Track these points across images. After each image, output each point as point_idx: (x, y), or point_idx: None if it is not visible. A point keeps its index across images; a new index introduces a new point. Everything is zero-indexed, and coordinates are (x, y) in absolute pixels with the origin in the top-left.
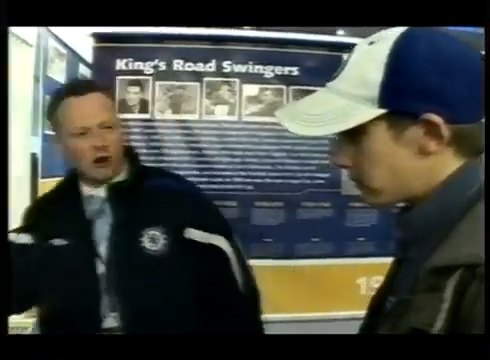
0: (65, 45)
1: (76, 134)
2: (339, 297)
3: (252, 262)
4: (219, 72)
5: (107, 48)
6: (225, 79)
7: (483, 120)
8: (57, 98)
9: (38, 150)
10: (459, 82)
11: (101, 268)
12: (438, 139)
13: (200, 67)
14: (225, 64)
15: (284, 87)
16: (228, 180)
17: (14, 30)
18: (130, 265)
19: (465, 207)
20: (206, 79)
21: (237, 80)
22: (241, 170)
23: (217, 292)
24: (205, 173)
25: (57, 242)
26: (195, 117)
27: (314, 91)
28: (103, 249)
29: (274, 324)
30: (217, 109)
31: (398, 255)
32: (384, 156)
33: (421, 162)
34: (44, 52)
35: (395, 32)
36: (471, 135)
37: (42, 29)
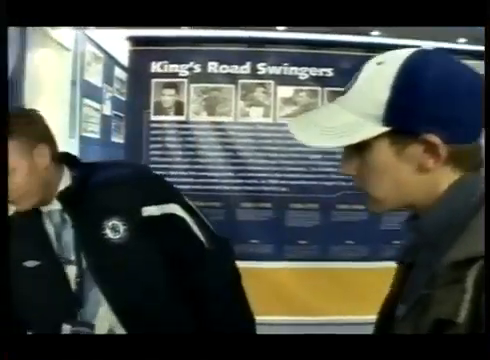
0: (101, 49)
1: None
2: (371, 300)
3: (287, 264)
4: (254, 74)
5: (143, 51)
6: (260, 81)
7: (481, 140)
8: None
9: (75, 152)
10: (460, 105)
11: (74, 272)
12: (436, 157)
13: (235, 69)
14: (260, 66)
15: (319, 89)
16: (263, 182)
17: (52, 34)
18: (101, 259)
19: (473, 209)
20: (241, 81)
21: (272, 82)
22: (276, 172)
23: (185, 254)
24: (240, 175)
25: (30, 264)
26: (230, 119)
27: None
28: (73, 255)
29: (307, 326)
30: (252, 111)
31: (407, 260)
32: (386, 169)
33: (420, 176)
34: (81, 56)
35: (403, 54)
36: (469, 153)
37: (79, 33)
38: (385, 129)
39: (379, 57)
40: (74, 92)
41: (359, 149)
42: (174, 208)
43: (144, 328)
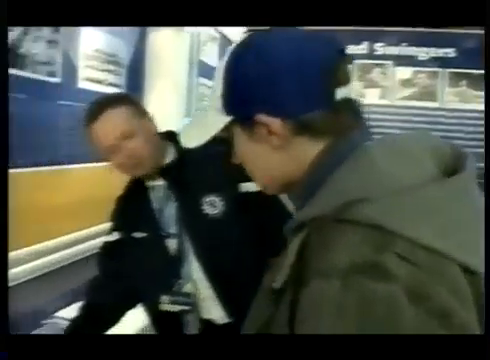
0: (217, 29)
1: (107, 152)
2: None
3: None
4: (371, 54)
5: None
6: (377, 62)
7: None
8: (85, 128)
9: None
10: (286, 82)
11: (174, 245)
12: (277, 135)
13: (352, 49)
14: (377, 46)
15: (439, 70)
16: None
17: None
18: (199, 233)
19: (330, 174)
20: (357, 61)
21: (390, 63)
22: None
23: (278, 229)
24: None
25: (138, 235)
26: None
27: (472, 74)
28: (174, 229)
29: None
30: (368, 92)
31: None
32: (248, 156)
33: (280, 155)
34: (197, 37)
35: (230, 48)
36: (316, 123)
37: None
38: (226, 119)
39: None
40: (191, 72)
41: (234, 141)
42: None
43: (236, 299)
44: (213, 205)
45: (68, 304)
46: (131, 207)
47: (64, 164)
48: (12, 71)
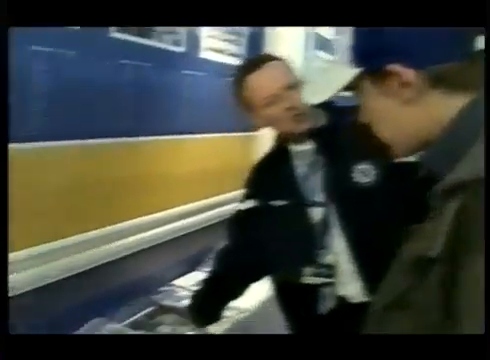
0: None
1: (267, 103)
2: None
3: None
4: None
5: None
6: None
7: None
8: (239, 80)
9: None
10: (420, 31)
11: (319, 214)
12: (410, 86)
13: None
14: None
15: None
16: None
17: None
18: (347, 202)
19: (474, 136)
20: None
21: None
22: None
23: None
24: None
25: (276, 203)
26: None
27: None
28: (320, 197)
29: None
30: None
31: None
32: (378, 111)
33: (412, 109)
34: None
35: None
36: (452, 75)
37: None
38: (355, 71)
39: None
40: (307, 44)
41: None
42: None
43: (378, 275)
44: (365, 173)
45: (185, 273)
46: (270, 174)
47: (184, 134)
48: (141, 40)
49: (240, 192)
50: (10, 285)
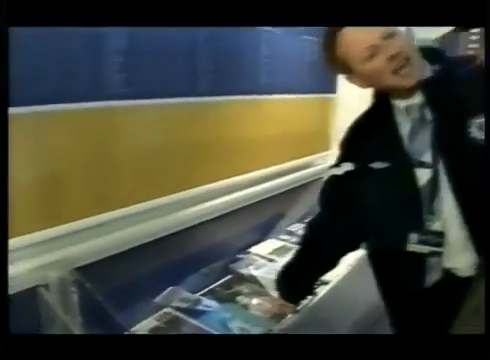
0: None
1: (366, 57)
2: None
3: None
4: None
5: None
6: None
7: None
8: (330, 38)
9: None
10: None
11: (427, 175)
12: None
13: None
14: None
15: None
16: None
17: None
18: (461, 161)
19: None
20: None
21: None
22: None
23: None
24: None
25: (377, 165)
26: None
27: None
28: (428, 156)
29: None
30: None
31: None
32: None
33: None
34: None
35: None
36: None
37: None
38: None
39: None
40: None
41: None
42: None
43: None
44: (482, 128)
45: (259, 241)
46: (370, 134)
47: (264, 94)
48: None
49: (319, 156)
50: (86, 251)
